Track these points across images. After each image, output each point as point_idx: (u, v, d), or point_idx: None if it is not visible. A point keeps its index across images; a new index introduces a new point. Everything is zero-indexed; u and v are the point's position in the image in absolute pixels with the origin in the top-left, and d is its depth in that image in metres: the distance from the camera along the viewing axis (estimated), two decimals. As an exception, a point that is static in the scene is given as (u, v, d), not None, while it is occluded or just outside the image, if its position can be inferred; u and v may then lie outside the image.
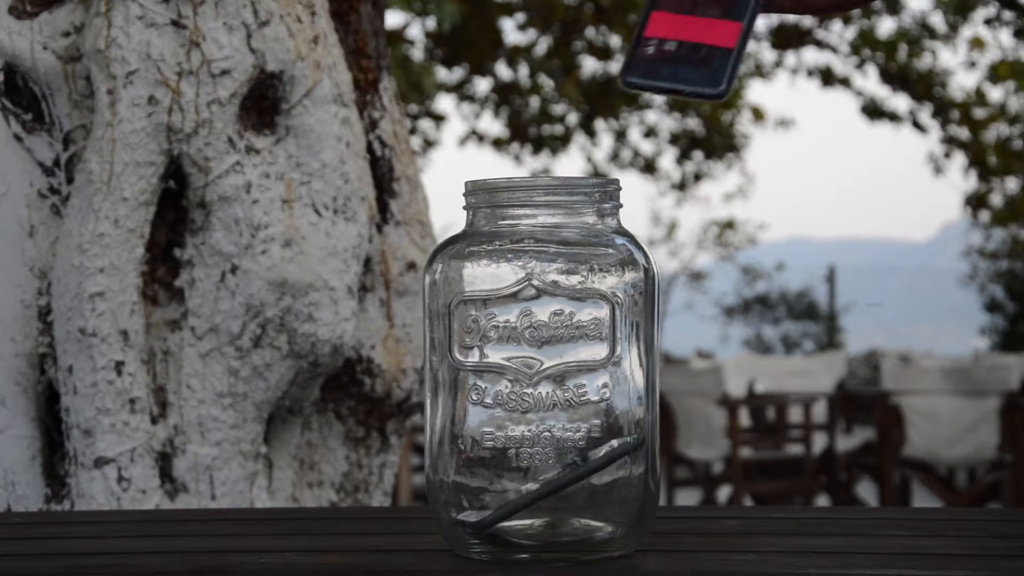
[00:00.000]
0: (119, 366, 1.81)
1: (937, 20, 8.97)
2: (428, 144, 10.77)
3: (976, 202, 10.85)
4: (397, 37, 8.30)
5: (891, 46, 9.15)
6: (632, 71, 1.03)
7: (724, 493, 8.05)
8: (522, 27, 9.37)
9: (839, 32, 9.51)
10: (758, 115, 10.60)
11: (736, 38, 1.03)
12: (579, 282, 1.06)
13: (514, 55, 9.52)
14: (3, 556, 1.19)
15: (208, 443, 1.86)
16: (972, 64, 9.13)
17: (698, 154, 12.14)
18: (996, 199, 11.09)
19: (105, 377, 1.80)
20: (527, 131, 10.66)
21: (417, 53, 8.86)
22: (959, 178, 13.12)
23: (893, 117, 9.97)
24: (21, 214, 1.88)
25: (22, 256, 1.87)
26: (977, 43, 8.73)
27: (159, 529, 1.36)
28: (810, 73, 9.94)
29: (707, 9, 1.04)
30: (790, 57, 10.05)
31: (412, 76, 8.10)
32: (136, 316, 1.83)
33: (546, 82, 9.80)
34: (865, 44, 9.22)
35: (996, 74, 8.86)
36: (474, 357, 1.07)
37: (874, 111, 10.00)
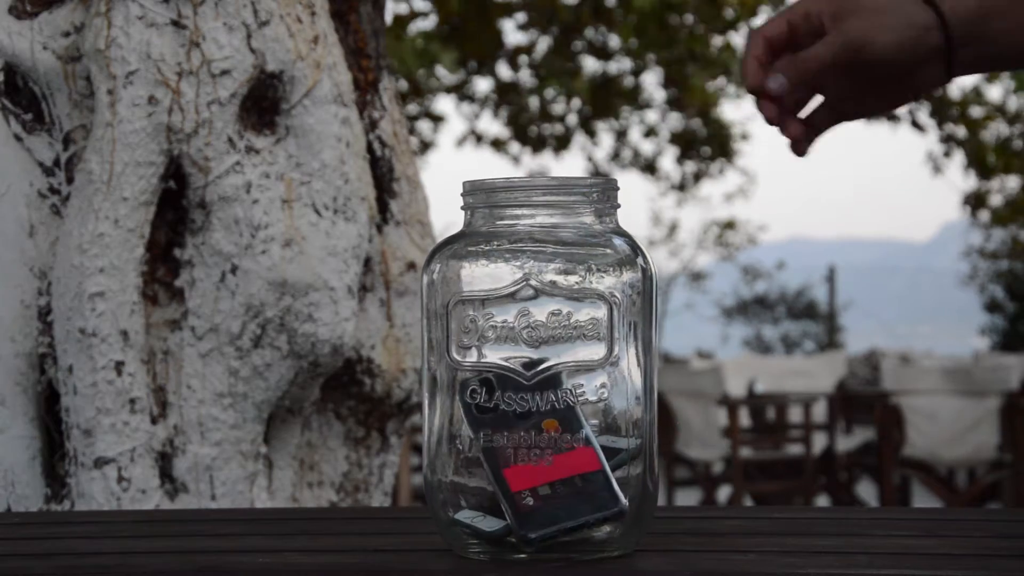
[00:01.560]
0: (119, 366, 1.81)
1: None
2: (425, 146, 10.76)
3: (975, 201, 10.84)
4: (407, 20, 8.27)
5: None
6: (528, 527, 1.02)
7: (724, 493, 8.05)
8: (522, 27, 9.37)
9: None
10: None
11: (596, 459, 1.03)
12: (577, 282, 1.06)
13: (514, 55, 9.51)
14: (3, 556, 1.19)
15: (208, 443, 1.86)
16: None
17: (697, 153, 12.13)
18: (996, 199, 11.08)
19: (105, 377, 1.80)
20: (527, 131, 10.65)
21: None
22: (959, 177, 13.11)
23: (890, 116, 9.95)
24: (21, 214, 1.88)
25: (22, 256, 1.88)
26: None
27: (159, 529, 1.36)
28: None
29: (551, 450, 1.04)
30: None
31: (428, 55, 8.07)
32: (136, 316, 1.83)
33: (553, 82, 9.77)
34: None
35: (994, 74, 8.85)
36: (472, 357, 1.07)
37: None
